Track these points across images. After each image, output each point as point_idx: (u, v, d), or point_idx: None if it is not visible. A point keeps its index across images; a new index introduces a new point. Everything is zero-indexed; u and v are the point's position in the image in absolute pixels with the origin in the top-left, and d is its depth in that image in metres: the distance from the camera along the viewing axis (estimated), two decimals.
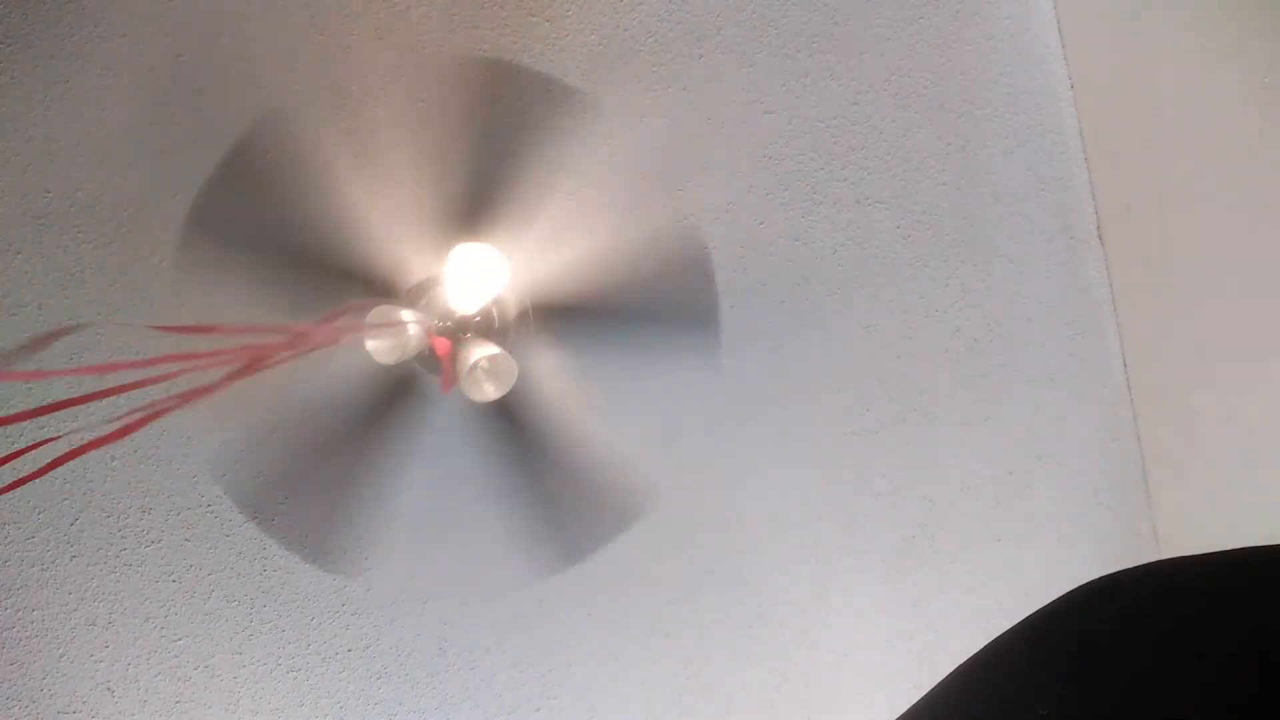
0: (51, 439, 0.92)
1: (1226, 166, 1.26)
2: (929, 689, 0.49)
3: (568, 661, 1.35)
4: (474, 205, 1.18)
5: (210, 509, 1.25)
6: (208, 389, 0.93)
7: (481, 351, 1.08)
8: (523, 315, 1.25)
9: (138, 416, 0.89)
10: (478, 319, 1.20)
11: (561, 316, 1.26)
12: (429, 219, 1.18)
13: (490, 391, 1.07)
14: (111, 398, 0.94)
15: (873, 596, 1.44)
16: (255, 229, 1.13)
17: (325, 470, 1.24)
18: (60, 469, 1.21)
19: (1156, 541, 1.54)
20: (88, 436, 0.90)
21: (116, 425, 0.88)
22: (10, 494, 1.21)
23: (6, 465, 0.84)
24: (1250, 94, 1.19)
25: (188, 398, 0.92)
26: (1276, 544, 0.41)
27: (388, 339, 1.06)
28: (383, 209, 1.23)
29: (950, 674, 0.48)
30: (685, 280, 1.34)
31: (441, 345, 1.00)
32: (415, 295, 1.16)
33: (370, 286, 1.09)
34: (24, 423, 0.90)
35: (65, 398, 0.92)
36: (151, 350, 1.14)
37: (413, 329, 1.07)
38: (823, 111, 1.45)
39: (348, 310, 1.03)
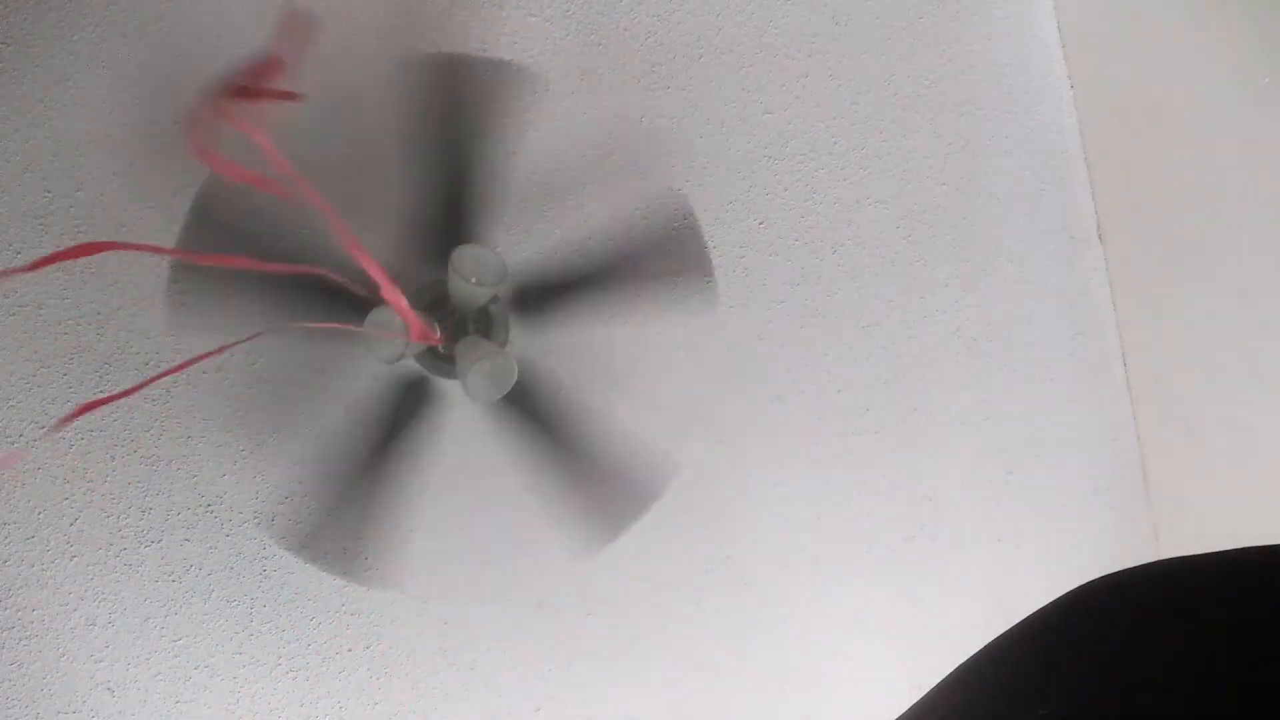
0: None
1: (1226, 166, 1.26)
2: (929, 689, 0.49)
3: (568, 661, 1.35)
4: (473, 208, 1.18)
5: (210, 509, 1.25)
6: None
7: (481, 351, 1.08)
8: (521, 309, 1.25)
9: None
10: (477, 319, 1.21)
11: (558, 300, 1.26)
12: (428, 221, 1.18)
13: (490, 392, 1.07)
14: None
15: (873, 596, 1.44)
16: (251, 232, 1.13)
17: (325, 470, 1.24)
18: (59, 470, 1.22)
19: (1156, 541, 1.54)
20: None
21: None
22: (10, 494, 1.21)
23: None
24: (1250, 94, 1.19)
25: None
26: (1276, 544, 0.41)
27: (385, 338, 1.06)
28: (381, 211, 1.24)
29: (950, 674, 0.47)
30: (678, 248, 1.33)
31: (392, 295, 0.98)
32: (415, 298, 1.16)
33: (368, 291, 1.08)
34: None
35: None
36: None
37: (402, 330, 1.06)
38: (823, 111, 1.45)
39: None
